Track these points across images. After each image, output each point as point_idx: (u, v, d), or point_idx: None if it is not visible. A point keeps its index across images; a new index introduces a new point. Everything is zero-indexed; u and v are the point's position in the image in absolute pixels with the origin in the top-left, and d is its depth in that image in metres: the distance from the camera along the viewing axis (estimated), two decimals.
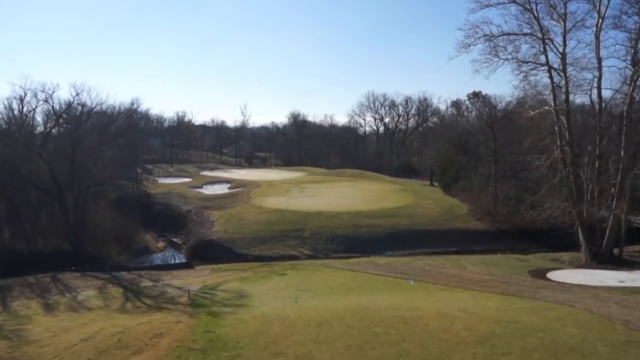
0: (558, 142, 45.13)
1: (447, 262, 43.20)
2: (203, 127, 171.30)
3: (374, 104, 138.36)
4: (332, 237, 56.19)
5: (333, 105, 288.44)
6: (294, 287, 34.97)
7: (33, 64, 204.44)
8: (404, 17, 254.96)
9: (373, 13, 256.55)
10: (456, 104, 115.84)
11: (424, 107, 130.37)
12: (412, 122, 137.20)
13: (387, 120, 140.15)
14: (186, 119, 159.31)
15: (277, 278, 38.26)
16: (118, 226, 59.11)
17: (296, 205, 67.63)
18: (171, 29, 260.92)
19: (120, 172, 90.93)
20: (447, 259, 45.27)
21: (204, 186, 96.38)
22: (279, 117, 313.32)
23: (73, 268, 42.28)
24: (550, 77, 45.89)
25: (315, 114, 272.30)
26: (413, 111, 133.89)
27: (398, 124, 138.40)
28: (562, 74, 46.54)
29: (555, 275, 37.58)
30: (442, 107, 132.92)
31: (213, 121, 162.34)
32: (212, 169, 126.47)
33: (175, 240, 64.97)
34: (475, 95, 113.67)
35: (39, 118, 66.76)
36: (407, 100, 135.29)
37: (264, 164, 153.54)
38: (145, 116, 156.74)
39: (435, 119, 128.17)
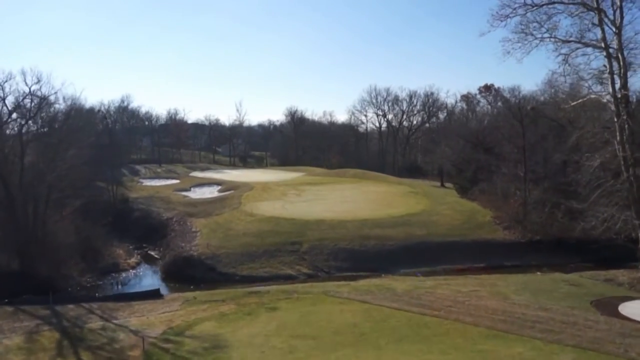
0: (618, 138, 36.29)
1: (481, 288, 34.33)
2: (197, 126, 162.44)
3: (377, 99, 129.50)
4: (335, 252, 47.33)
5: (332, 101, 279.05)
6: (287, 332, 26.08)
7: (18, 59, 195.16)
8: (407, 10, 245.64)
9: (375, 6, 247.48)
10: (466, 98, 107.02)
11: (430, 102, 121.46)
12: (417, 118, 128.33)
13: (390, 116, 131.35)
14: (178, 117, 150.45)
15: (266, 315, 29.33)
16: (83, 239, 50.12)
17: (293, 212, 58.75)
18: (168, 25, 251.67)
19: (97, 175, 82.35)
20: (480, 282, 36.40)
21: (192, 189, 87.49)
22: (276, 115, 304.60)
23: (6, 300, 33.28)
24: (608, 57, 36.99)
25: (314, 110, 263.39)
26: (418, 106, 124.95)
27: (402, 120, 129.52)
28: (617, 53, 37.73)
29: (632, 310, 28.70)
30: (451, 101, 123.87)
31: (207, 119, 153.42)
32: (203, 170, 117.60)
33: (152, 253, 56.13)
34: (487, 88, 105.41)
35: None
36: (412, 95, 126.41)
37: (259, 163, 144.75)
38: (136, 114, 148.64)
39: (442, 115, 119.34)
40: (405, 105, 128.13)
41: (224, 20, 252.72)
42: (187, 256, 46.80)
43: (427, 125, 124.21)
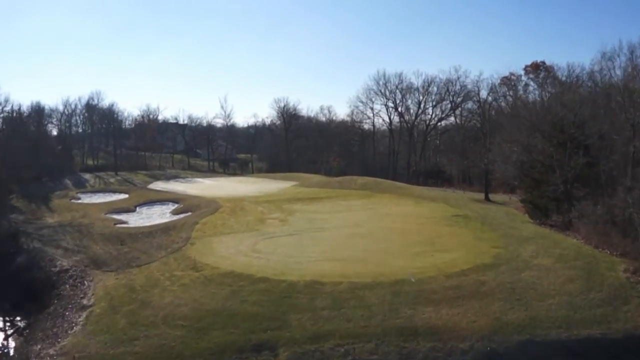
0: None
1: None
2: (177, 126, 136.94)
3: (386, 86, 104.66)
4: None
5: (331, 96, 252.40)
6: None
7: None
8: None
9: None
10: (508, 81, 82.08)
11: (456, 88, 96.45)
12: (437, 111, 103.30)
13: (402, 109, 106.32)
14: (151, 116, 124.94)
15: None
16: None
17: (269, 261, 33.76)
18: (156, 24, 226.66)
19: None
20: None
21: (138, 209, 62.47)
22: (265, 112, 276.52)
23: None
24: None
25: (309, 106, 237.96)
26: (441, 94, 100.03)
27: (419, 113, 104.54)
28: None
29: None
30: (487, 84, 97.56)
31: (189, 117, 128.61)
32: (168, 179, 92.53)
33: (17, 340, 31.03)
34: (536, 67, 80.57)
35: None
36: (430, 82, 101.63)
37: (244, 169, 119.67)
38: (106, 113, 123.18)
39: (472, 104, 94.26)
40: (421, 94, 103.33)
41: (213, 17, 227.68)
42: None
43: (452, 117, 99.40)
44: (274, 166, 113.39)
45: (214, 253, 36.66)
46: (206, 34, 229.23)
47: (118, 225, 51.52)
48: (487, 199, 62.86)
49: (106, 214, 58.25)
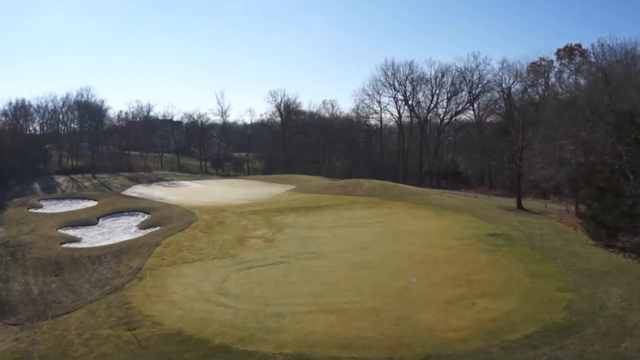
0: None
1: None
2: (170, 122, 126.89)
3: (395, 77, 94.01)
4: None
5: (335, 91, 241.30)
6: None
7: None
8: None
9: None
10: (537, 67, 71.14)
11: (473, 78, 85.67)
12: (452, 104, 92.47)
13: (412, 102, 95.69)
14: (144, 111, 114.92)
15: None
16: None
17: (237, 312, 23.37)
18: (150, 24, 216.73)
19: None
20: None
21: (101, 221, 52.50)
22: (264, 106, 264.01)
23: None
24: None
25: (311, 101, 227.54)
26: (456, 85, 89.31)
27: (431, 106, 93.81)
28: None
29: None
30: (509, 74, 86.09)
31: (183, 114, 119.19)
32: (150, 182, 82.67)
33: None
34: (570, 50, 69.63)
35: None
36: (444, 72, 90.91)
37: (238, 169, 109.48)
38: (94, 109, 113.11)
39: (494, 95, 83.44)
40: (434, 85, 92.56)
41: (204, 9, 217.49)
42: None
43: (469, 111, 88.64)
44: (271, 166, 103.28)
45: (165, 295, 26.35)
46: (205, 33, 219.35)
47: (65, 245, 41.38)
48: (519, 207, 52.33)
49: (59, 228, 48.21)
